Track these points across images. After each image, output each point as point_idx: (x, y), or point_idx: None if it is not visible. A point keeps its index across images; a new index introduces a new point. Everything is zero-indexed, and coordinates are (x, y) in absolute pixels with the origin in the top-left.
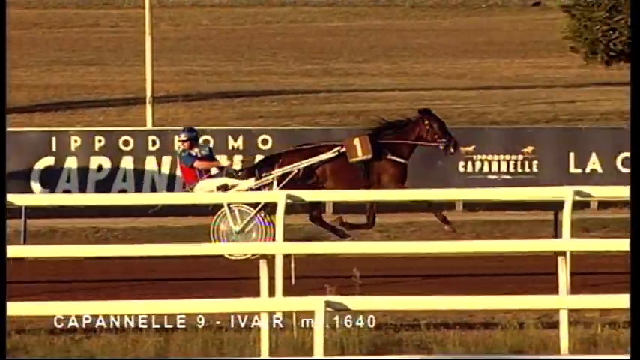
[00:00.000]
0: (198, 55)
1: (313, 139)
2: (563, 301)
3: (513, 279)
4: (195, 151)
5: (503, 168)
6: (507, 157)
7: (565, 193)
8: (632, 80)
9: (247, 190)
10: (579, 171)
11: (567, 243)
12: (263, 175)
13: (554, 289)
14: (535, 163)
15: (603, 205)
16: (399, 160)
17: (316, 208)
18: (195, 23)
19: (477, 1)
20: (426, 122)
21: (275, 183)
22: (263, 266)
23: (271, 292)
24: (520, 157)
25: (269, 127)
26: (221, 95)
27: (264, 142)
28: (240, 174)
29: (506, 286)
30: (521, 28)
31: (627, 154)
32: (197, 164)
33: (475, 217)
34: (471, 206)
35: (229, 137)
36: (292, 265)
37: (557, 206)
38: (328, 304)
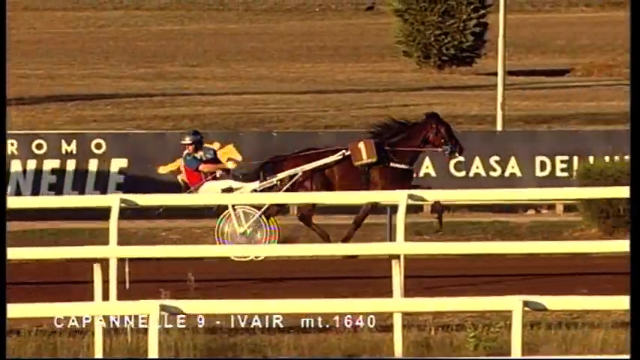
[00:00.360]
0: (31, 58)
1: (147, 143)
2: (397, 304)
3: (348, 282)
4: (199, 154)
5: None
6: None
7: (399, 197)
8: (632, 80)
9: (252, 192)
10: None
11: (401, 246)
12: (267, 177)
13: (388, 293)
14: None
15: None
16: (400, 166)
17: (305, 207)
18: (28, 27)
19: (311, 5)
20: (434, 126)
21: (280, 185)
22: (97, 270)
23: (105, 296)
24: None
25: (103, 131)
26: (54, 99)
27: (98, 146)
28: (244, 176)
29: (341, 290)
30: (354, 32)
31: (460, 158)
32: (202, 167)
33: None
34: None
35: (63, 141)
36: (126, 269)
37: (391, 210)
38: (163, 307)
